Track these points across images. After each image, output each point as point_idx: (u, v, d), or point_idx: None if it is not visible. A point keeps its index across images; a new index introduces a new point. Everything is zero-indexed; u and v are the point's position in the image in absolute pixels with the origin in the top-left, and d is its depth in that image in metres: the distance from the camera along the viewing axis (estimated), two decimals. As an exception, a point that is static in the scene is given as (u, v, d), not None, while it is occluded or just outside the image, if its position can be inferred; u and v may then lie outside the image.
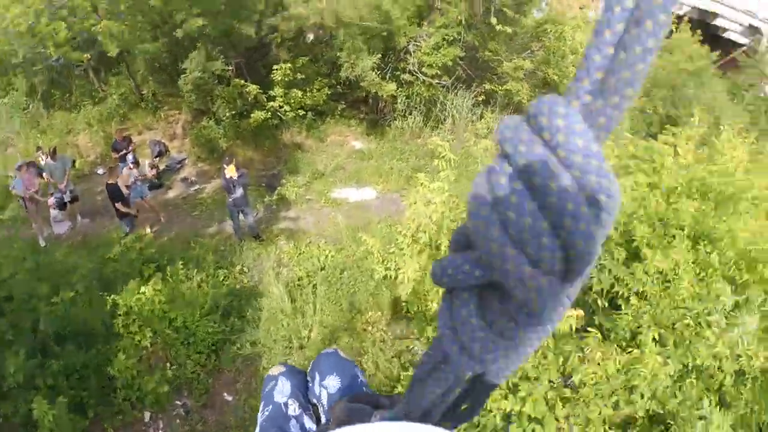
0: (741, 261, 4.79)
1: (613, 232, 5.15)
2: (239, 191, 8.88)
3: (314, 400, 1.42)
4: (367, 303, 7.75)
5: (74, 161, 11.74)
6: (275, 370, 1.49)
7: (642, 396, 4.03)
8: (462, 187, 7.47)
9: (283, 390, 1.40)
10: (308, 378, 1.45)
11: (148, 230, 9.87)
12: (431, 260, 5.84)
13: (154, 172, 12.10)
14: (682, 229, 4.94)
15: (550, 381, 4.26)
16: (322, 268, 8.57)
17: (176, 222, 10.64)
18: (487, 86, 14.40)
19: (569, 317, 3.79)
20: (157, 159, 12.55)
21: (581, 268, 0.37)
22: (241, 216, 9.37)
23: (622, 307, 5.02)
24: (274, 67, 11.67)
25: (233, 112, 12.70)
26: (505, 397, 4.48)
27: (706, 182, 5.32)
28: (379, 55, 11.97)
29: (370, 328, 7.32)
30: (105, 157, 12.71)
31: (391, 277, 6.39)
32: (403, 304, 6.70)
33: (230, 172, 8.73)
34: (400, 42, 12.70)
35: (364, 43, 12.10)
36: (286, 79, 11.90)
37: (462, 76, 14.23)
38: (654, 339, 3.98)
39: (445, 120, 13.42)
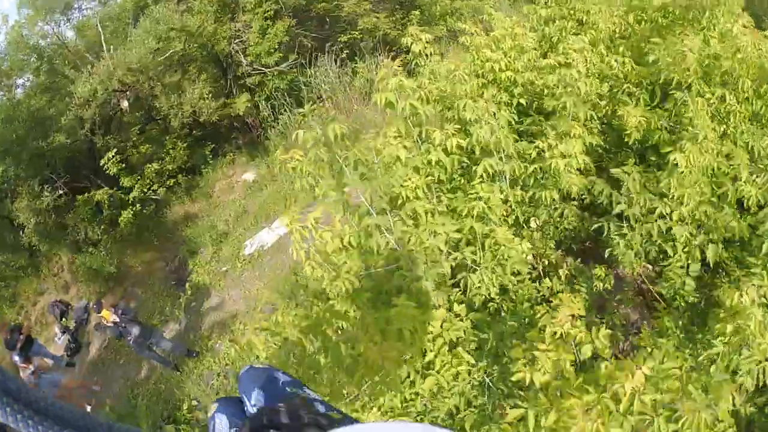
0: (764, 84, 3.21)
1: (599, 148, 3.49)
2: (134, 329, 7.03)
3: None
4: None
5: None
6: (210, 410, 1.32)
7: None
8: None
9: (222, 426, 1.26)
10: (243, 402, 1.35)
11: (88, 408, 8.06)
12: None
13: (66, 337, 10.24)
14: (689, 87, 3.34)
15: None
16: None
17: (110, 381, 8.82)
18: (343, 38, 12.48)
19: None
20: (64, 320, 10.64)
21: None
22: (156, 348, 7.51)
23: (675, 236, 3.43)
24: (101, 163, 9.60)
25: (102, 227, 10.64)
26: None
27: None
28: (204, 77, 9.92)
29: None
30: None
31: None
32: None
33: (107, 317, 6.88)
34: (222, 48, 10.66)
35: (185, 74, 10.09)
36: (126, 164, 9.88)
37: (311, 45, 12.27)
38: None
39: (319, 99, 11.49)
